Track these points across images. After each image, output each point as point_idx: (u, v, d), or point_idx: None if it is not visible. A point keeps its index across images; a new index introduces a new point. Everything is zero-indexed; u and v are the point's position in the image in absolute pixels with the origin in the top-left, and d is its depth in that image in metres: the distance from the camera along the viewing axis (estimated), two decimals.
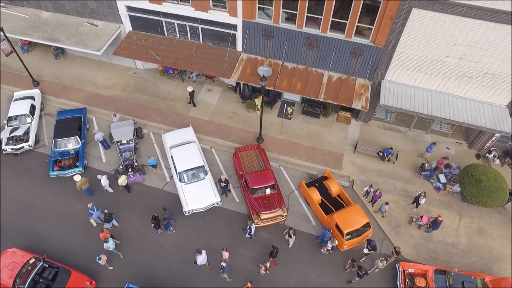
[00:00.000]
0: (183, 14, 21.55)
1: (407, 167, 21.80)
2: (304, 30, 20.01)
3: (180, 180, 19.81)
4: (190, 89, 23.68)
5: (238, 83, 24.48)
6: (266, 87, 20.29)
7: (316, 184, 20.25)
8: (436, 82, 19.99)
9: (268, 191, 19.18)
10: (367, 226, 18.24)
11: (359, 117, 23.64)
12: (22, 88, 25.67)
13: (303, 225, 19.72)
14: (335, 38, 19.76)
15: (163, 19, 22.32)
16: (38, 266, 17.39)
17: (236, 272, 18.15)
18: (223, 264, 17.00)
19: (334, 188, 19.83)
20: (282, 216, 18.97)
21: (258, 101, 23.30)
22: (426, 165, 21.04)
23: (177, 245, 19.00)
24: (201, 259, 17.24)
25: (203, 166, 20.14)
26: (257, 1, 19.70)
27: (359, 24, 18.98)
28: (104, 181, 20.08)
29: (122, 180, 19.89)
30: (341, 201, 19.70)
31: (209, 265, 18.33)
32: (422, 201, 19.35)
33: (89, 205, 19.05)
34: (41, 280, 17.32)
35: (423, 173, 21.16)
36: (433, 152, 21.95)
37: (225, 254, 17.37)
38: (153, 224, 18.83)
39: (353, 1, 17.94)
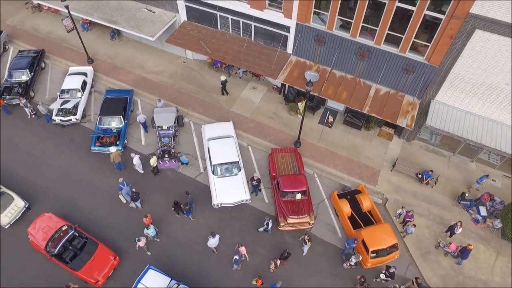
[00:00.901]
0: (238, 10, 22.00)
1: (445, 193, 21.12)
2: (357, 40, 19.87)
3: (213, 172, 20.29)
4: (223, 78, 24.47)
5: (283, 85, 24.66)
6: (311, 92, 20.34)
7: (348, 197, 20.08)
8: (491, 109, 19.23)
9: (298, 196, 19.24)
10: (394, 247, 17.88)
11: (402, 135, 23.14)
12: (77, 64, 27.21)
13: (329, 236, 19.62)
14: (388, 51, 19.49)
15: (218, 13, 22.89)
16: (70, 234, 18.47)
17: (251, 269, 18.45)
18: (236, 257, 17.39)
19: (365, 203, 19.57)
20: (309, 223, 18.97)
21: (301, 105, 23.37)
22: (467, 194, 20.28)
23: (201, 236, 19.47)
24: (212, 242, 17.92)
25: (238, 162, 20.50)
26: (313, 5, 19.79)
27: (415, 40, 18.62)
28: (136, 160, 20.92)
29: (153, 161, 20.73)
30: (371, 218, 19.42)
31: (216, 250, 18.89)
32: (458, 231, 18.68)
33: (120, 180, 20.00)
34: (70, 247, 18.41)
35: (462, 202, 20.41)
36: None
37: (242, 249, 17.72)
38: (173, 209, 19.51)
39: (413, 16, 17.64)
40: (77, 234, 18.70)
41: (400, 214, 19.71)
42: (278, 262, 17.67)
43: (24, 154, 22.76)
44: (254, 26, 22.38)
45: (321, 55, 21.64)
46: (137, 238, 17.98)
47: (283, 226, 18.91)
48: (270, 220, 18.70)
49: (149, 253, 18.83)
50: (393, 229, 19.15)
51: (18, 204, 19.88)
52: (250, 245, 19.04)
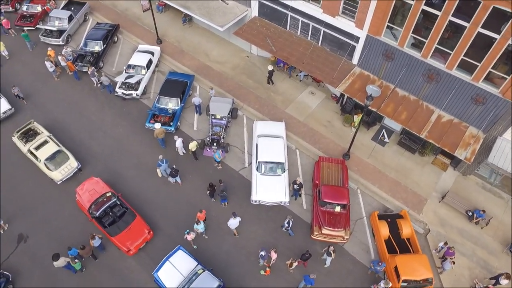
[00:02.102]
0: (310, 13, 22.23)
1: (496, 238, 20.04)
2: (427, 61, 19.40)
3: (257, 169, 20.70)
4: (270, 67, 25.20)
5: (342, 95, 24.57)
6: (369, 107, 20.16)
7: (389, 220, 19.67)
8: None
9: (337, 208, 19.16)
10: (428, 281, 17.28)
11: (458, 167, 22.24)
12: (146, 42, 28.78)
13: (361, 255, 19.37)
14: (459, 77, 18.84)
15: (290, 13, 23.26)
16: (112, 201, 19.66)
17: (276, 271, 18.69)
18: (262, 253, 17.71)
19: (406, 230, 19.08)
20: (343, 238, 18.85)
21: (357, 118, 23.18)
22: None
23: (247, 234, 19.99)
24: (232, 222, 18.63)
25: (283, 163, 20.75)
26: (387, 19, 19.58)
27: (492, 70, 17.85)
28: (179, 143, 21.87)
29: (192, 145, 21.57)
30: (408, 245, 18.91)
31: (238, 234, 19.47)
32: (503, 282, 17.68)
33: (160, 157, 21.02)
34: (110, 213, 19.61)
35: None
36: None
37: (274, 255, 17.92)
38: (208, 191, 20.18)
39: (494, 44, 16.93)
40: (118, 203, 19.87)
41: (441, 248, 19.01)
42: (295, 263, 17.86)
43: (85, 119, 24.55)
44: (324, 31, 22.51)
45: (386, 71, 21.35)
46: (187, 231, 18.49)
47: (316, 235, 18.94)
48: (292, 220, 18.94)
49: (195, 247, 19.37)
50: (430, 262, 18.55)
51: (71, 164, 21.48)
52: (281, 248, 19.29)
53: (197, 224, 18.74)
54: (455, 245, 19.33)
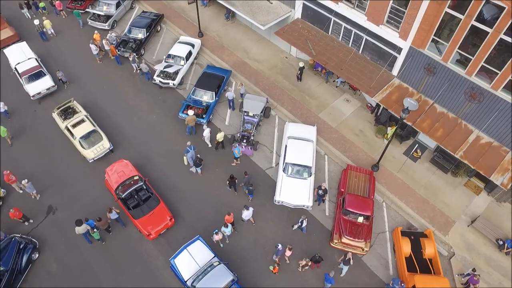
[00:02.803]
0: (354, 20, 22.15)
1: None
2: (471, 79, 18.91)
3: (284, 170, 20.83)
4: (301, 64, 25.67)
5: (378, 105, 24.30)
6: (404, 120, 19.88)
7: (412, 237, 19.31)
8: None
9: (360, 219, 19.01)
10: None
11: (493, 193, 21.52)
12: (188, 34, 29.51)
13: (379, 269, 19.11)
14: (504, 99, 18.26)
15: (333, 18, 23.26)
16: (138, 185, 20.29)
17: (289, 269, 18.75)
18: (279, 247, 17.92)
19: (428, 250, 18.66)
20: (363, 249, 18.67)
21: (390, 130, 22.88)
22: None
23: (254, 227, 20.25)
24: (246, 213, 19.20)
25: (311, 167, 20.78)
26: (433, 32, 19.25)
27: None
28: (206, 132, 22.41)
29: (220, 136, 22.11)
30: (430, 266, 18.50)
31: (254, 221, 20.20)
32: None
33: (188, 143, 21.64)
34: (135, 196, 20.25)
35: None
36: None
37: (288, 253, 18.16)
38: (228, 183, 20.56)
39: None
40: (144, 187, 20.49)
41: (467, 275, 18.45)
42: (309, 263, 18.03)
43: (122, 102, 25.51)
44: (366, 39, 22.37)
45: (426, 85, 20.96)
46: (215, 231, 18.84)
47: (335, 243, 18.86)
48: (306, 219, 19.11)
49: (221, 245, 19.64)
50: (451, 286, 18.07)
51: (104, 145, 22.35)
52: (298, 251, 19.36)
53: (225, 226, 18.86)
54: (480, 273, 18.75)
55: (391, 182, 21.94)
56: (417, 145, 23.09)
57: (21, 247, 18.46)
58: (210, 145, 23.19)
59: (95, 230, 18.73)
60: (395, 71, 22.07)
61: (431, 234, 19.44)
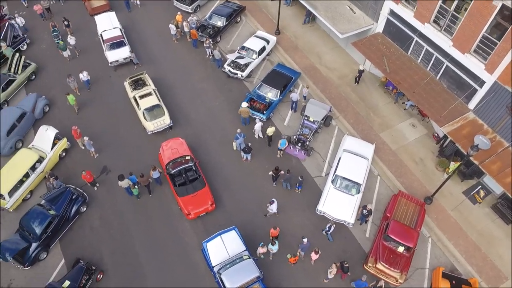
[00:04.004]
0: (438, 43, 21.37)
1: None
2: None
3: (332, 181, 20.66)
4: (361, 67, 25.95)
5: (445, 136, 23.27)
6: (471, 158, 18.87)
7: (453, 282, 18.30)
8: None
9: (401, 249, 18.38)
10: None
11: None
12: (265, 30, 30.09)
13: None
14: None
15: (416, 38, 22.61)
16: (188, 165, 21.09)
17: (315, 272, 18.62)
18: (304, 240, 18.19)
19: None
20: (397, 280, 18.02)
21: (453, 165, 21.82)
22: None
23: (291, 229, 20.35)
24: (272, 206, 19.64)
25: (360, 185, 20.42)
26: None
27: None
28: (258, 126, 22.97)
29: (270, 130, 22.56)
30: None
31: (278, 213, 20.66)
32: None
33: (238, 130, 22.35)
34: (183, 175, 21.10)
35: None
36: None
37: (314, 256, 18.24)
38: (272, 174, 20.95)
39: None
40: (193, 168, 21.30)
41: None
42: (334, 269, 17.99)
43: (189, 84, 26.74)
44: (446, 65, 21.51)
45: (504, 126, 19.73)
46: (261, 244, 18.62)
47: (369, 266, 18.39)
48: (334, 226, 19.14)
49: (262, 257, 19.46)
50: None
51: (165, 120, 23.52)
52: (329, 261, 19.12)
53: (272, 244, 18.64)
54: None
55: (443, 219, 20.93)
56: (480, 186, 21.82)
57: (73, 197, 20.06)
58: (257, 138, 23.81)
59: (135, 186, 20.33)
60: (472, 104, 21.00)
61: (476, 283, 18.30)
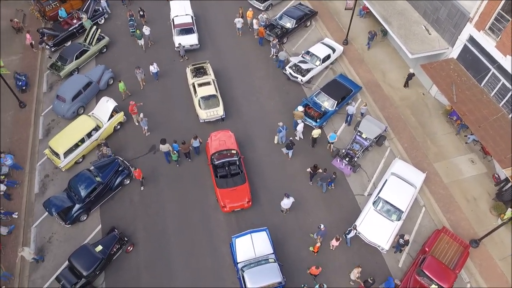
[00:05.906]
0: None
1: None
2: None
3: (373, 203, 20.18)
4: (411, 70, 26.00)
5: (507, 180, 21.90)
6: None
7: None
8: None
9: (433, 287, 17.60)
10: None
11: None
12: (333, 38, 29.86)
13: None
14: None
15: (493, 70, 21.45)
16: (233, 159, 21.56)
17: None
18: (322, 226, 18.78)
19: None
20: None
21: (510, 212, 20.49)
22: None
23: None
24: (286, 202, 20.05)
25: (402, 212, 19.76)
26: None
27: None
28: (300, 127, 23.19)
29: (316, 132, 22.70)
30: None
31: (287, 211, 20.99)
32: None
33: (280, 123, 22.86)
34: (226, 168, 21.58)
35: None
36: None
37: (335, 242, 18.87)
38: (310, 171, 21.34)
39: None
40: (237, 163, 21.68)
41: None
42: (358, 274, 17.95)
43: (248, 80, 27.34)
44: None
45: None
46: (304, 285, 18.17)
47: None
48: (356, 231, 19.09)
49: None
50: None
51: (219, 111, 24.17)
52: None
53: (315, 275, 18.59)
54: None
55: (487, 267, 19.71)
56: None
57: (119, 169, 21.27)
58: (298, 138, 23.93)
59: (175, 152, 21.85)
60: None
61: None
